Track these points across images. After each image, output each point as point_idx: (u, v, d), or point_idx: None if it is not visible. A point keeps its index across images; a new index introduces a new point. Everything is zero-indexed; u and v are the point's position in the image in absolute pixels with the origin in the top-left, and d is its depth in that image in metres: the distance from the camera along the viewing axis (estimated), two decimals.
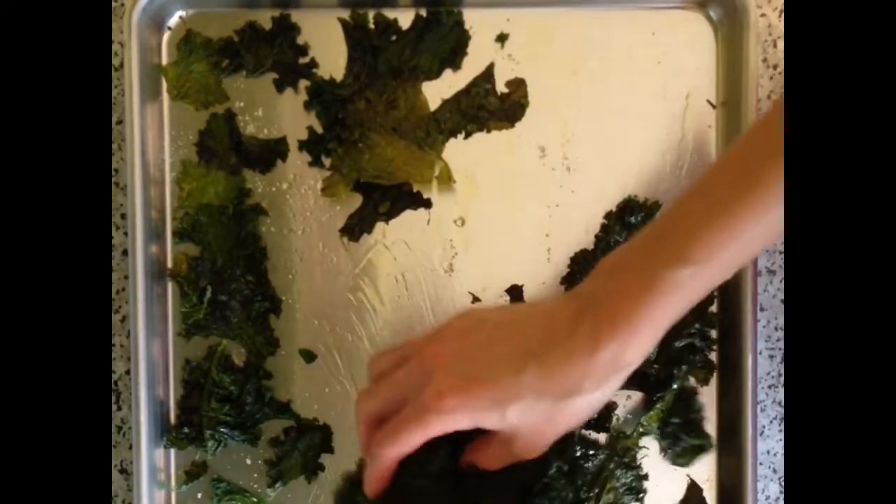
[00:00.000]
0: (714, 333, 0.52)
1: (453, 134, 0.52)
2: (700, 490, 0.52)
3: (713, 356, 0.52)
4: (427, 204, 0.52)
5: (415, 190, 0.52)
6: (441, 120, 0.52)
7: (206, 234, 0.52)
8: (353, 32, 0.52)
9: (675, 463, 0.52)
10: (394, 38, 0.52)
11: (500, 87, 0.52)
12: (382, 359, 0.45)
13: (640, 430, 0.52)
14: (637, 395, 0.53)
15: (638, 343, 0.38)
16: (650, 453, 0.52)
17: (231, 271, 0.51)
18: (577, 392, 0.39)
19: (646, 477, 0.52)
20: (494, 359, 0.39)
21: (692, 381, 0.52)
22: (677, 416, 0.52)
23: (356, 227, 0.52)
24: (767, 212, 0.39)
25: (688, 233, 0.39)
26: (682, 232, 0.39)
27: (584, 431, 0.52)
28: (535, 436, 0.41)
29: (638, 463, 0.52)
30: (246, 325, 0.52)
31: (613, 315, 0.38)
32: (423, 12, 0.52)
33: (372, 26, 0.52)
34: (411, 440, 0.40)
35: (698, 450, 0.52)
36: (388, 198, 0.52)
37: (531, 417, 0.39)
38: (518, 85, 0.52)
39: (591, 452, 0.51)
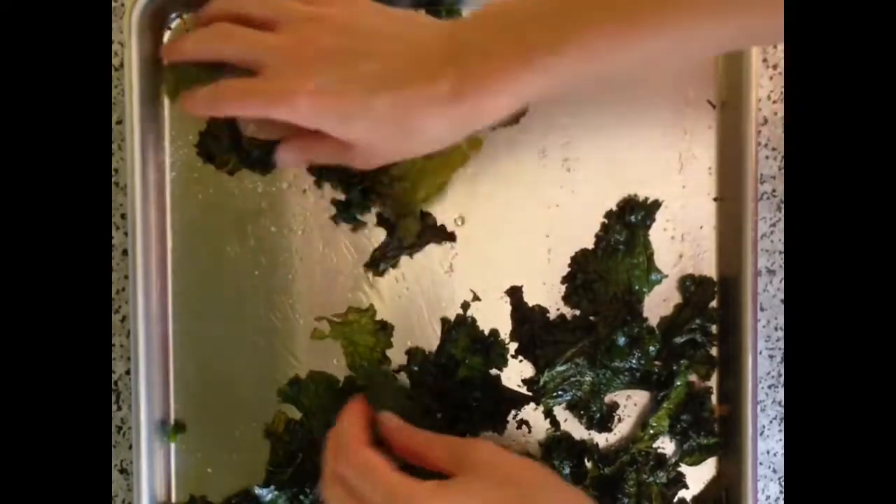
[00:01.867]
0: (714, 328, 0.52)
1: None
2: (722, 484, 0.52)
3: (714, 351, 0.52)
4: (451, 237, 0.52)
5: (439, 223, 0.52)
6: None
7: (312, 402, 0.52)
8: None
9: (682, 461, 0.52)
10: None
11: None
12: None
13: (651, 431, 0.52)
14: (639, 395, 0.53)
15: (496, 106, 0.38)
16: (667, 452, 0.53)
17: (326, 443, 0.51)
18: (424, 129, 0.39)
19: (678, 464, 0.52)
20: (356, 74, 0.39)
21: (694, 377, 0.52)
22: (687, 415, 0.52)
23: (380, 262, 0.52)
24: (675, 36, 0.37)
25: (575, 25, 0.37)
26: (570, 21, 0.38)
27: (588, 436, 0.52)
28: (372, 153, 0.42)
29: (665, 458, 0.52)
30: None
31: (481, 77, 0.38)
32: (423, 12, 0.51)
33: None
34: (251, 111, 0.41)
35: (708, 450, 0.52)
36: (412, 231, 0.52)
37: (374, 137, 0.40)
38: None
39: (621, 473, 0.52)
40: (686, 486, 0.52)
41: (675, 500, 0.52)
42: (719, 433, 0.52)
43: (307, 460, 0.51)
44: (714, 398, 0.53)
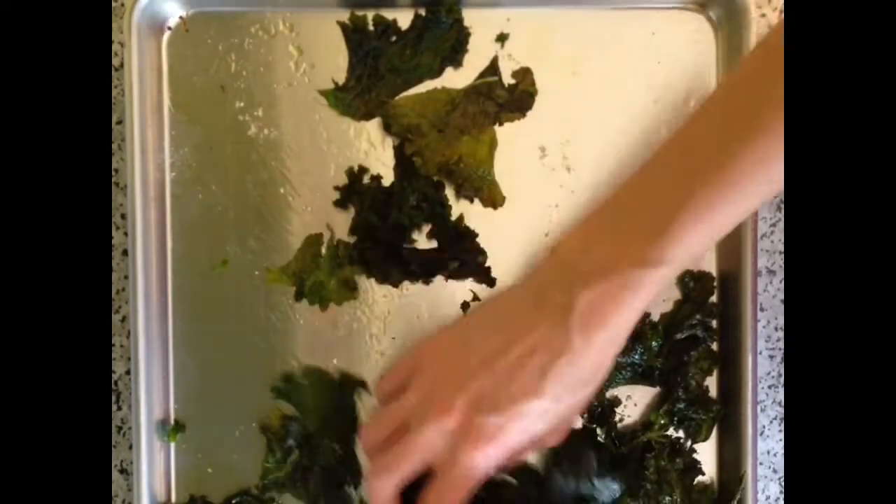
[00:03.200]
0: (715, 323, 0.52)
1: (467, 131, 0.52)
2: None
3: (715, 346, 0.52)
4: (491, 282, 0.52)
5: (485, 264, 0.52)
6: (452, 118, 0.52)
7: (305, 396, 0.52)
8: (353, 35, 0.52)
9: (696, 441, 0.52)
10: (394, 38, 0.52)
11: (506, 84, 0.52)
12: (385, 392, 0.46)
13: (662, 422, 0.52)
14: (639, 396, 0.53)
15: (624, 332, 0.41)
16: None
17: (321, 438, 0.52)
18: (588, 385, 0.42)
19: (693, 450, 0.52)
20: (513, 395, 0.41)
21: (696, 373, 0.52)
22: (680, 402, 0.52)
23: (420, 271, 0.52)
24: (747, 198, 0.39)
25: (661, 232, 0.39)
26: (653, 231, 0.39)
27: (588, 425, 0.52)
28: (554, 432, 0.44)
29: (678, 446, 0.52)
30: (325, 491, 0.51)
31: (600, 320, 0.40)
32: (423, 11, 0.52)
33: (371, 28, 0.52)
34: (410, 472, 0.42)
35: (712, 421, 0.52)
36: (457, 258, 0.52)
37: (553, 421, 0.42)
38: (525, 74, 0.52)
39: (641, 459, 0.52)
40: (702, 473, 0.52)
41: (695, 483, 0.52)
42: (719, 435, 0.52)
43: (303, 456, 0.52)
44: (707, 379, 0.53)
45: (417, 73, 0.52)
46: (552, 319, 0.41)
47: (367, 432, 0.45)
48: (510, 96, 0.52)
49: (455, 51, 0.52)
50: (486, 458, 0.41)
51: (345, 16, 0.52)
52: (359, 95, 0.52)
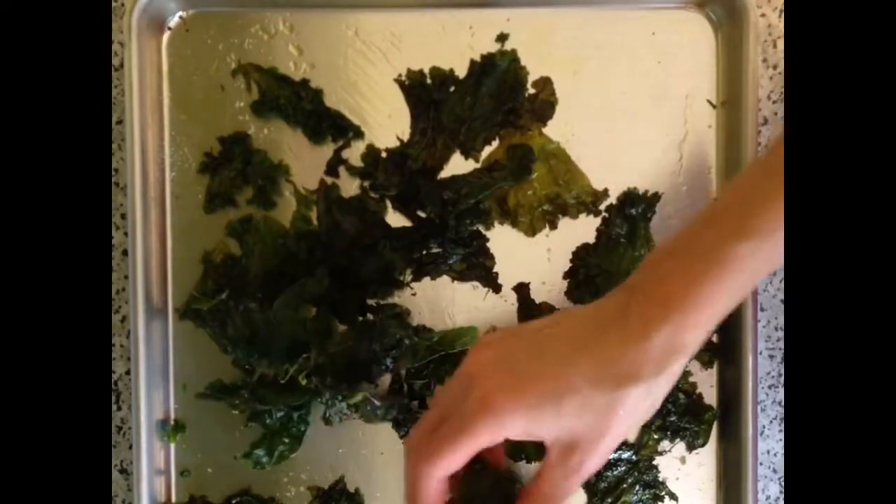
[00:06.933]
0: None
1: (488, 141, 0.52)
2: None
3: (714, 338, 0.52)
4: (497, 288, 0.52)
5: (494, 271, 0.52)
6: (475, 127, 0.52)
7: (256, 244, 0.52)
8: (412, 91, 0.52)
9: (691, 448, 0.52)
10: (452, 88, 0.52)
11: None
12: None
13: (655, 437, 0.52)
14: None
15: (694, 324, 0.36)
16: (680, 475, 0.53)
17: (255, 291, 0.51)
18: (636, 378, 0.36)
19: (662, 499, 0.52)
20: (543, 356, 0.37)
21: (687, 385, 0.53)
22: (672, 415, 0.52)
23: (423, 268, 0.52)
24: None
25: (750, 205, 0.37)
26: (743, 205, 0.37)
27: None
28: (595, 440, 0.37)
29: (657, 480, 0.52)
30: (237, 343, 0.51)
31: (665, 297, 0.36)
32: (477, 57, 0.52)
33: (430, 81, 0.52)
34: (457, 452, 0.37)
35: (708, 426, 0.52)
36: (465, 260, 0.52)
37: (589, 415, 0.36)
38: (545, 84, 0.52)
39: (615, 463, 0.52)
40: None
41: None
42: (719, 435, 0.52)
43: (230, 298, 0.51)
44: (708, 400, 0.53)
45: (480, 118, 0.52)
46: (618, 297, 0.38)
47: (411, 432, 0.41)
48: (531, 106, 0.52)
49: (514, 90, 0.52)
50: (491, 405, 0.37)
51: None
52: (425, 149, 0.52)
